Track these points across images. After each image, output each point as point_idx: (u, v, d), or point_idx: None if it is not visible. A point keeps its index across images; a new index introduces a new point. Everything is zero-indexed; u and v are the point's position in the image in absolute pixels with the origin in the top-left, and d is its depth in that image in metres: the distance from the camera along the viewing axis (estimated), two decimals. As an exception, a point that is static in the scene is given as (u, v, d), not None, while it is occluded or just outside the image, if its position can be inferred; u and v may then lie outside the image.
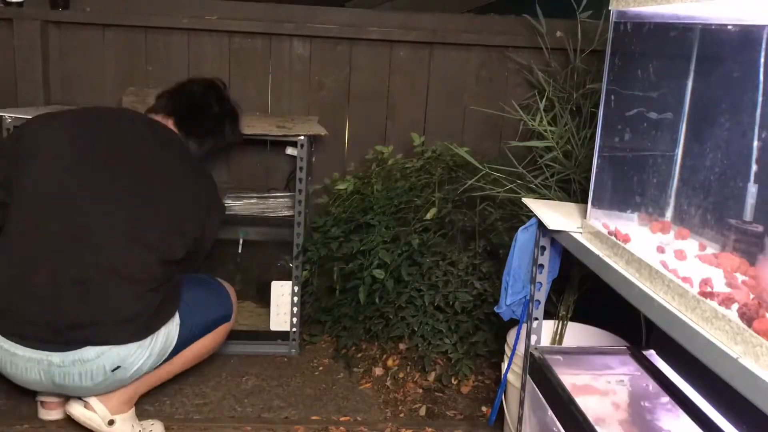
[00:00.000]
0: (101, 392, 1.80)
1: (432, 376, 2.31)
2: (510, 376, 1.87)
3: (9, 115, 2.30)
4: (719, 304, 0.97)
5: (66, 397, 1.87)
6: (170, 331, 1.87)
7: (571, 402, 1.33)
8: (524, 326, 1.75)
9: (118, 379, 1.77)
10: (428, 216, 2.38)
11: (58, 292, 1.70)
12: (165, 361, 1.90)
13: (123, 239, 1.76)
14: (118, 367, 1.74)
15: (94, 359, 1.70)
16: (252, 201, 2.58)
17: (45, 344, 1.69)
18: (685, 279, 1.09)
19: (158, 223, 1.83)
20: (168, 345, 1.87)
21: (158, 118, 2.05)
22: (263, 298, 2.56)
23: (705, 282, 1.06)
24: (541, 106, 2.07)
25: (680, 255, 1.21)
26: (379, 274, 2.28)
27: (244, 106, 2.79)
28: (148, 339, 1.79)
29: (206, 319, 2.04)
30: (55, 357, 1.68)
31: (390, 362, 2.38)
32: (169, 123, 2.06)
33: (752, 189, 1.13)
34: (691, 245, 1.27)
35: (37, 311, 1.69)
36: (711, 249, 1.24)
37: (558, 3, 2.35)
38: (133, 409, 1.88)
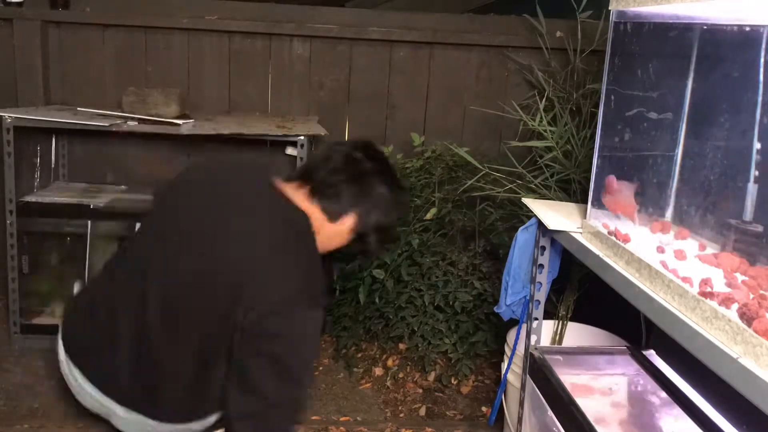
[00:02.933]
0: None
1: (432, 376, 2.31)
2: (510, 376, 1.87)
3: (9, 115, 2.30)
4: (719, 304, 0.97)
5: None
6: None
7: (571, 402, 1.33)
8: (524, 326, 1.74)
9: None
10: (428, 216, 2.38)
11: (128, 360, 1.49)
12: None
13: None
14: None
15: (156, 426, 1.52)
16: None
17: (114, 395, 1.53)
18: (685, 279, 1.09)
19: None
20: None
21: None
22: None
23: (705, 282, 1.06)
24: (541, 106, 2.07)
25: (680, 255, 1.21)
26: (379, 274, 2.28)
27: (244, 106, 2.80)
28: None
29: None
30: (119, 409, 1.53)
31: (390, 362, 2.38)
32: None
33: (752, 189, 1.13)
34: (691, 245, 1.27)
35: (114, 361, 1.50)
36: (711, 249, 1.24)
37: (558, 3, 2.35)
38: None
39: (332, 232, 1.48)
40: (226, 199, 1.47)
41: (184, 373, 1.47)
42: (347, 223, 1.46)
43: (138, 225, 1.63)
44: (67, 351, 1.61)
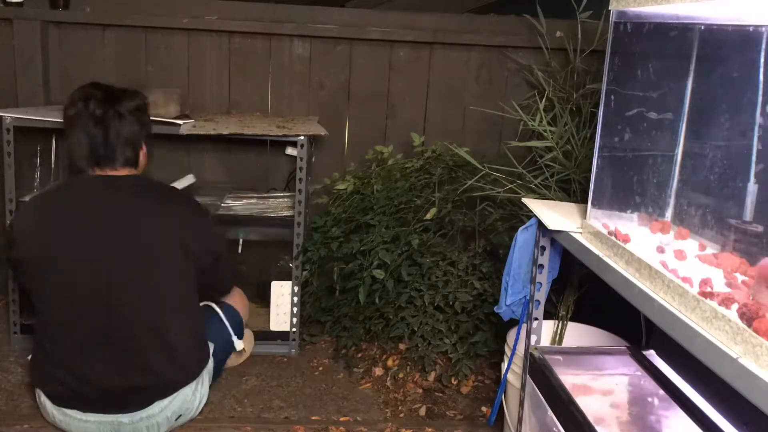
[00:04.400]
0: None
1: (432, 376, 2.31)
2: (510, 376, 1.87)
3: (9, 115, 2.30)
4: (719, 304, 0.97)
5: None
6: (209, 367, 2.01)
7: (571, 402, 1.33)
8: (524, 326, 1.74)
9: (179, 423, 1.94)
10: (428, 216, 2.37)
11: (119, 368, 1.81)
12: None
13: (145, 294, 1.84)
14: (180, 416, 1.91)
15: (159, 413, 1.85)
16: (252, 201, 2.58)
17: (116, 409, 1.83)
18: (685, 279, 1.09)
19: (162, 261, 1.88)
20: (209, 378, 2.01)
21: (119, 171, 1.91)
22: (263, 298, 2.56)
23: (705, 282, 1.06)
24: (541, 106, 2.07)
25: (680, 255, 1.21)
26: (379, 274, 2.28)
27: (244, 106, 2.80)
28: (197, 383, 1.93)
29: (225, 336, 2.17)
30: (125, 418, 1.83)
31: (390, 362, 2.38)
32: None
33: (752, 189, 1.13)
34: (691, 245, 1.27)
35: (107, 382, 1.81)
36: (711, 249, 1.24)
37: (558, 3, 2.34)
38: None
39: (144, 164, 1.97)
40: (96, 210, 1.84)
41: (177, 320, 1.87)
42: (142, 157, 1.94)
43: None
44: (58, 403, 1.85)
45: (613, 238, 1.32)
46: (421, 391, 2.27)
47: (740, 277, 1.08)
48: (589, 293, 1.98)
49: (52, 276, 1.81)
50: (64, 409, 1.84)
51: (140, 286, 1.82)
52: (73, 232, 1.81)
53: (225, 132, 2.34)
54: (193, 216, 1.96)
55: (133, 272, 1.81)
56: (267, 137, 2.39)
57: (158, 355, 1.83)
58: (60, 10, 2.63)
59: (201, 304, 2.10)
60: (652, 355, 1.58)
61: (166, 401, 1.85)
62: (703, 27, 1.27)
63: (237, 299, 2.29)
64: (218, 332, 2.12)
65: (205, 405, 2.02)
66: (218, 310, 2.17)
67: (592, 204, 1.46)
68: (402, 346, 2.41)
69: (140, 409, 1.83)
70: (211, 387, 2.04)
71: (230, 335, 2.17)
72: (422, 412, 2.17)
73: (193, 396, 1.92)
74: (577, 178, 2.02)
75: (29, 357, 2.00)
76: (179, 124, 2.37)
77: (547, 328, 1.92)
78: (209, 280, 2.04)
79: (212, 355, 2.03)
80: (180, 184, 2.60)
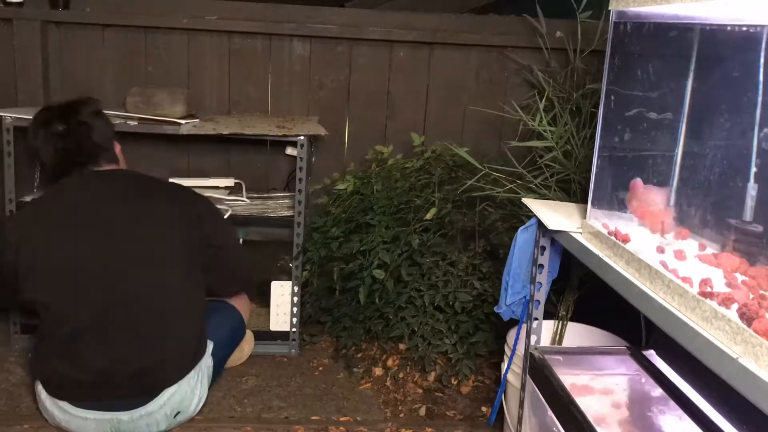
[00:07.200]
0: None
1: (432, 377, 2.31)
2: (510, 376, 1.87)
3: (9, 115, 2.30)
4: (719, 304, 0.97)
5: None
6: (207, 362, 2.02)
7: (571, 402, 1.33)
8: (524, 326, 1.75)
9: (177, 422, 1.95)
10: (428, 216, 2.37)
11: (119, 353, 1.83)
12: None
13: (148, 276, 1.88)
14: (178, 413, 1.92)
15: (158, 410, 1.86)
16: (252, 201, 2.58)
17: (115, 406, 1.84)
18: (685, 279, 1.09)
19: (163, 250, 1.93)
20: (207, 377, 2.02)
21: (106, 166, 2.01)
22: (263, 298, 2.56)
23: (705, 282, 1.06)
24: (541, 106, 2.07)
25: (680, 255, 1.21)
26: (379, 274, 2.28)
27: (244, 106, 2.80)
28: (195, 378, 1.94)
29: (226, 333, 2.19)
30: (124, 415, 1.84)
31: (390, 362, 2.38)
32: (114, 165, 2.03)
33: (752, 189, 1.13)
34: (691, 245, 1.27)
35: (106, 368, 1.82)
36: (711, 249, 1.24)
37: (558, 3, 2.35)
38: None
39: (123, 160, 2.08)
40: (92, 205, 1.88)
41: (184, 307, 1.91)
42: (119, 153, 2.06)
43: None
44: (63, 397, 1.86)
45: (613, 238, 1.32)
46: (421, 391, 2.27)
47: (740, 277, 1.08)
48: (589, 293, 1.98)
49: (56, 271, 1.82)
50: (62, 403, 1.84)
51: (141, 271, 1.85)
52: (72, 224, 1.85)
53: (225, 132, 2.34)
54: (190, 202, 2.03)
55: (134, 258, 1.85)
56: (267, 137, 2.39)
57: (157, 342, 1.85)
58: (60, 10, 2.63)
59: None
60: (652, 355, 1.58)
61: (165, 396, 1.85)
62: (703, 27, 1.27)
63: (239, 300, 2.30)
64: (219, 331, 2.12)
65: (205, 405, 2.03)
66: (219, 308, 2.18)
67: (592, 204, 1.46)
68: (402, 346, 2.41)
69: (139, 405, 1.83)
70: (210, 387, 2.04)
71: (230, 334, 2.18)
72: (422, 412, 2.17)
73: (192, 393, 1.93)
74: (577, 178, 2.02)
75: (29, 355, 2.00)
76: (180, 124, 2.37)
77: (547, 328, 1.92)
78: (220, 275, 2.10)
79: (212, 354, 2.03)
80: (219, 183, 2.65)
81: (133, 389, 1.83)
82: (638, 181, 1.35)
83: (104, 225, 1.86)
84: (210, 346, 2.03)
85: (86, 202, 1.89)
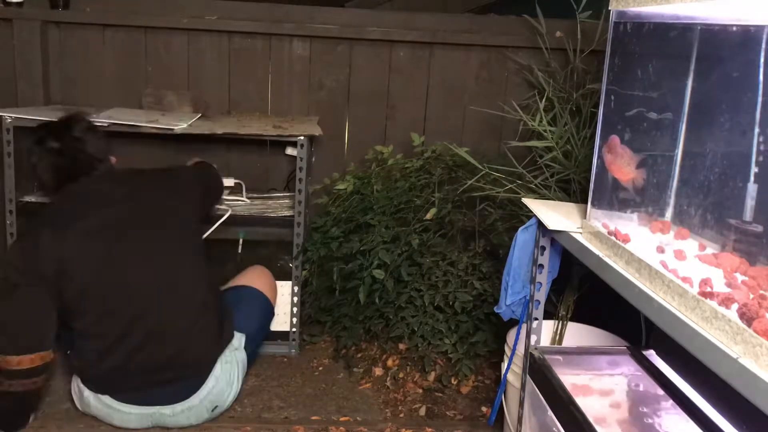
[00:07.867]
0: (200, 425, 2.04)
1: (432, 376, 2.31)
2: (510, 376, 1.87)
3: (9, 115, 2.30)
4: (719, 304, 0.97)
5: None
6: (242, 356, 2.12)
7: (571, 402, 1.33)
8: (524, 326, 1.74)
9: (214, 415, 2.05)
10: (428, 216, 2.37)
11: (158, 351, 1.92)
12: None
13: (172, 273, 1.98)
14: (216, 407, 2.02)
15: (199, 404, 1.97)
16: (252, 201, 2.58)
17: (158, 399, 1.94)
18: (685, 279, 1.09)
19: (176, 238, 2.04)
20: (243, 370, 2.12)
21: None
22: (263, 298, 2.56)
23: (705, 282, 1.06)
24: (541, 106, 2.07)
25: (680, 255, 1.21)
26: (379, 274, 2.28)
27: (244, 106, 2.80)
28: (233, 372, 2.05)
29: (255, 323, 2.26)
30: (167, 409, 1.95)
31: (390, 362, 2.38)
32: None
33: (752, 189, 1.13)
34: (691, 245, 1.27)
35: (146, 364, 1.91)
36: (711, 249, 1.24)
37: (558, 3, 2.35)
38: None
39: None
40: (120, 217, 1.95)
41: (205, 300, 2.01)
42: (115, 163, 2.11)
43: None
44: (114, 395, 1.93)
45: (612, 238, 1.32)
46: (421, 391, 2.27)
47: (740, 277, 1.08)
48: (589, 293, 1.98)
49: (103, 283, 1.89)
50: (104, 397, 1.92)
51: (163, 270, 1.94)
52: (100, 234, 1.91)
53: (219, 132, 2.34)
54: (171, 179, 2.16)
55: (156, 254, 1.95)
56: (262, 137, 2.39)
57: (190, 336, 1.94)
58: (60, 10, 2.63)
59: (224, 288, 2.29)
60: (652, 355, 1.58)
61: (205, 390, 1.95)
62: (703, 27, 1.27)
63: (263, 280, 2.37)
64: (248, 322, 2.18)
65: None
66: (243, 295, 2.25)
67: (592, 204, 1.46)
68: (402, 346, 2.41)
69: (182, 398, 1.93)
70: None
71: (261, 321, 2.27)
72: (422, 412, 2.17)
73: (229, 387, 2.03)
74: (577, 178, 2.02)
75: (68, 352, 2.03)
76: (176, 124, 2.36)
77: (547, 328, 1.92)
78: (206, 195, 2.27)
79: (245, 347, 2.11)
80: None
81: (176, 384, 1.92)
82: (616, 138, 1.40)
83: (117, 226, 1.93)
84: (242, 339, 2.10)
85: (97, 209, 1.94)
